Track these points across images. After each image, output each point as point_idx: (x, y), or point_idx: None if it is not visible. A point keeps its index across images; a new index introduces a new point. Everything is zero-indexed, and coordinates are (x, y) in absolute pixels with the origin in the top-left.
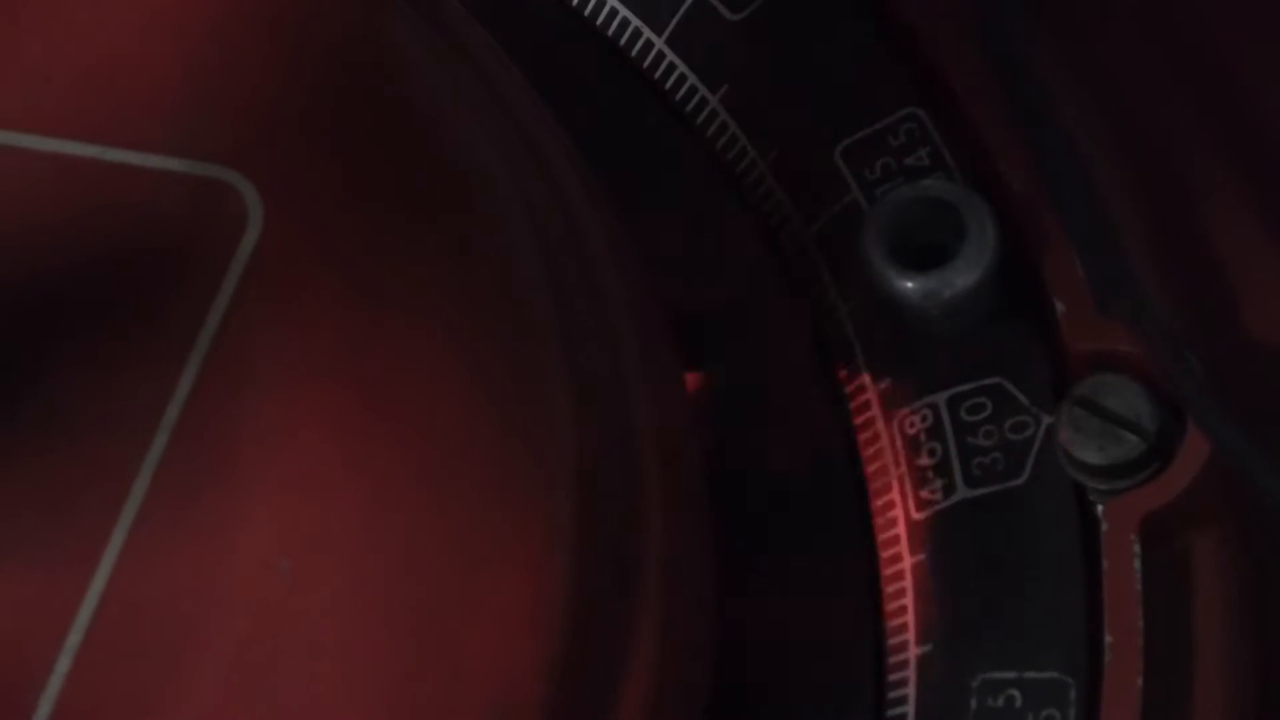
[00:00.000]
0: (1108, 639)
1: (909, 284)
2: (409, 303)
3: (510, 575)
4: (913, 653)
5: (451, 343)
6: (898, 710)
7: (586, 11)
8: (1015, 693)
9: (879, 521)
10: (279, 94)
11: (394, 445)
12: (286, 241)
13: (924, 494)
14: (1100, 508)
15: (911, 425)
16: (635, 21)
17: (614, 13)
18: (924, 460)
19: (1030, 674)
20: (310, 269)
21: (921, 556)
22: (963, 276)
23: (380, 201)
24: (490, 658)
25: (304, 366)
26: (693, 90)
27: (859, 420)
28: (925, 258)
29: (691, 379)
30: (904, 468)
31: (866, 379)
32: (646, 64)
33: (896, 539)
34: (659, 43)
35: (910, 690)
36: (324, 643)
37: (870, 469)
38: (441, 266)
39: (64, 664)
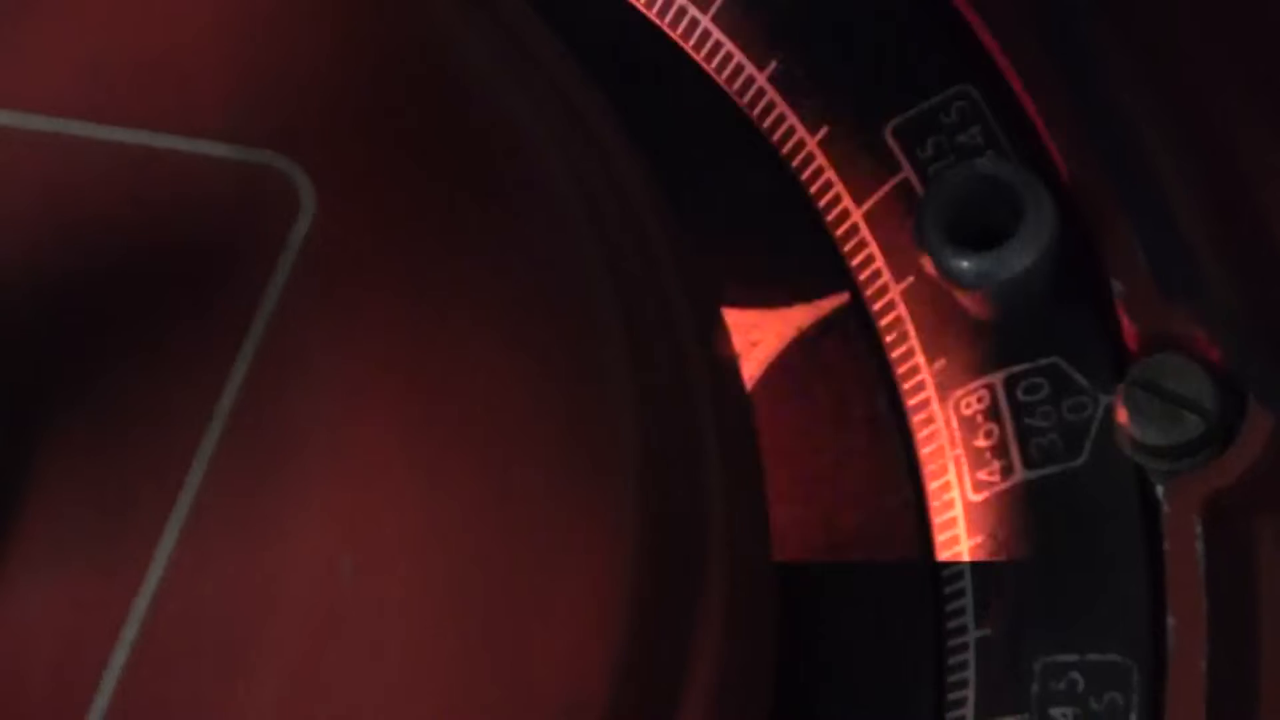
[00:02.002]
0: (1171, 622)
1: (965, 264)
2: (466, 292)
3: (574, 572)
4: (972, 635)
5: (511, 333)
6: (958, 694)
7: None
8: (1077, 675)
9: (935, 504)
10: (330, 80)
11: (455, 439)
12: (339, 228)
13: (981, 475)
14: (1160, 489)
15: (968, 406)
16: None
17: None
18: (981, 441)
19: (1092, 656)
20: (363, 256)
21: (979, 538)
22: (1020, 257)
23: (434, 188)
24: (556, 657)
25: (360, 356)
26: (740, 68)
27: (913, 401)
28: (982, 237)
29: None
30: (960, 449)
31: (921, 360)
32: (693, 42)
33: (954, 521)
34: (705, 20)
35: (970, 674)
36: (387, 643)
37: (925, 450)
38: (499, 255)
39: (119, 661)
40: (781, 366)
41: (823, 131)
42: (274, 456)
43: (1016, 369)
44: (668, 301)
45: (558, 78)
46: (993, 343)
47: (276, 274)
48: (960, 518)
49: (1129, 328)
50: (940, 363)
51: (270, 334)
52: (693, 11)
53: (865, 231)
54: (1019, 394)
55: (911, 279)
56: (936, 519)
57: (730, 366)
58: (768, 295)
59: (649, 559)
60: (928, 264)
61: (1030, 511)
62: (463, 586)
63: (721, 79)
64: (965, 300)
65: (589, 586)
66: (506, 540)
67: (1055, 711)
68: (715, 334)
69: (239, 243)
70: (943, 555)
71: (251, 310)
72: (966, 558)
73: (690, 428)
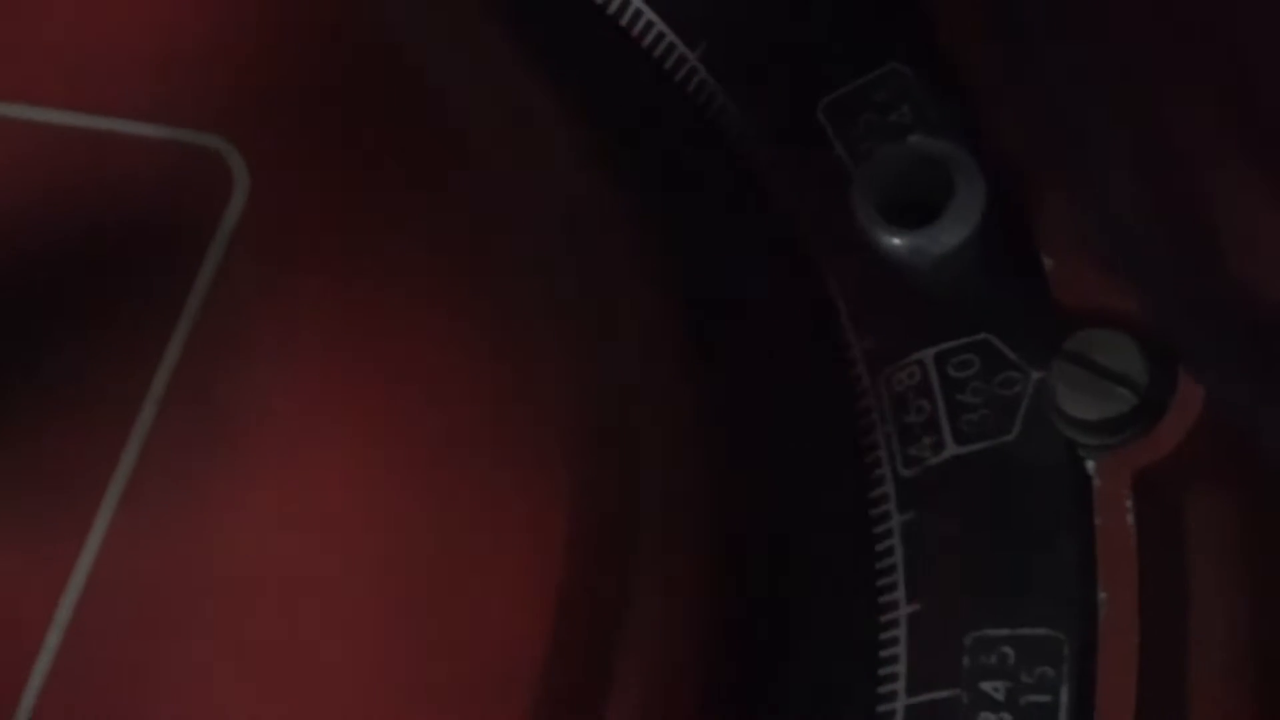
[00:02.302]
0: (1102, 595)
1: (897, 241)
2: (400, 271)
3: (509, 545)
4: (903, 610)
5: (445, 308)
6: (890, 669)
7: None
8: (1008, 650)
9: (867, 479)
10: (265, 60)
11: (389, 415)
12: (274, 208)
13: (912, 451)
14: (1091, 464)
15: (899, 382)
16: None
17: None
18: (912, 417)
19: (1023, 631)
20: (298, 235)
21: (911, 514)
22: (950, 233)
23: (369, 166)
24: (490, 630)
25: (294, 334)
26: (671, 48)
27: (846, 378)
28: (913, 214)
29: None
30: (891, 425)
31: (853, 336)
32: (625, 21)
33: (885, 497)
34: (636, 0)
35: (901, 649)
36: (322, 617)
37: (858, 425)
38: (433, 231)
39: (54, 639)
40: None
41: (755, 110)
42: (209, 434)
43: (947, 345)
44: (604, 276)
45: (495, 56)
46: (924, 319)
47: (211, 253)
48: (891, 493)
49: (1060, 303)
50: (871, 339)
51: (205, 313)
52: None
53: (798, 209)
54: (950, 370)
55: (843, 256)
56: (869, 494)
57: (675, 340)
58: (702, 271)
59: (583, 530)
60: (860, 241)
61: (961, 487)
62: (397, 560)
63: (654, 58)
64: (897, 277)
65: (523, 559)
66: (441, 514)
67: (986, 685)
68: (656, 310)
69: (174, 223)
70: (875, 531)
71: (186, 289)
72: (898, 533)
73: (624, 399)
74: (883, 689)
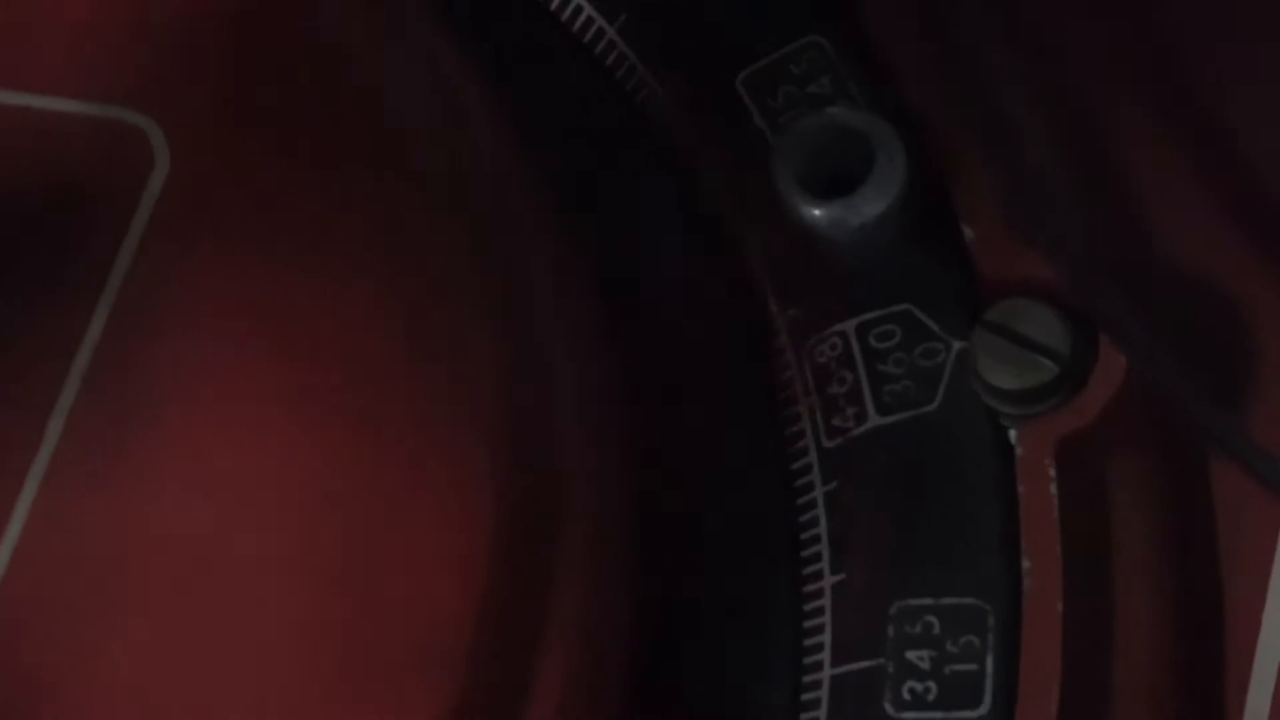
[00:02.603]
0: (1025, 564)
1: (817, 212)
2: (323, 247)
3: (435, 513)
4: (828, 581)
5: (368, 280)
6: (815, 639)
7: None
8: (933, 619)
9: (790, 451)
10: (187, 36)
11: (314, 385)
12: (194, 182)
13: (835, 422)
14: (1013, 433)
15: (821, 354)
16: None
17: None
18: (834, 388)
19: (947, 600)
20: (220, 209)
21: (834, 485)
22: (871, 204)
23: (290, 140)
24: (417, 596)
25: (217, 310)
26: (590, 21)
27: (768, 349)
28: (833, 185)
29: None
30: (814, 396)
31: (775, 307)
32: None
33: (809, 468)
34: None
35: (826, 619)
36: (248, 586)
37: (780, 397)
38: (356, 204)
39: None
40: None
41: (674, 83)
42: (132, 410)
43: (869, 316)
44: (522, 254)
45: (412, 32)
46: (845, 290)
47: (132, 229)
48: (814, 464)
49: (981, 273)
50: (793, 311)
51: (127, 289)
52: None
53: (719, 182)
54: (871, 341)
55: (764, 228)
56: (791, 466)
57: (594, 317)
58: (621, 246)
59: (509, 505)
60: (780, 213)
61: (884, 457)
62: (323, 535)
63: (573, 31)
64: (818, 248)
65: (446, 533)
66: (367, 489)
67: (911, 655)
68: (576, 283)
69: (94, 198)
70: (798, 502)
71: (108, 266)
72: (821, 504)
73: (544, 375)
74: (808, 659)
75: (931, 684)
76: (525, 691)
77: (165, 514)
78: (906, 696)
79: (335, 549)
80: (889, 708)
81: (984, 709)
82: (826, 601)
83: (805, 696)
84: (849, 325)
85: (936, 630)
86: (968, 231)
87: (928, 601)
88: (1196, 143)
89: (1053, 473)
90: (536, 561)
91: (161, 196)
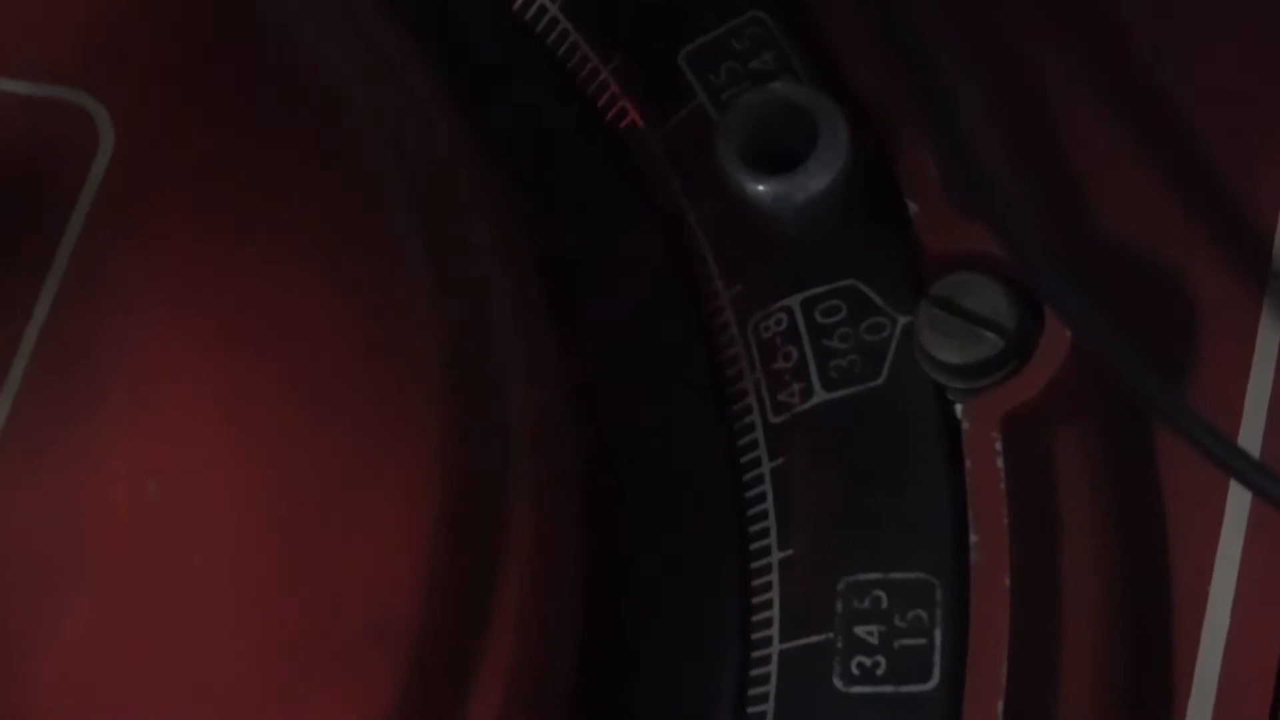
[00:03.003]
0: (974, 539)
1: (761, 188)
2: (268, 221)
3: (381, 493)
4: (775, 557)
5: (314, 260)
6: (763, 614)
7: None
8: (881, 594)
9: (737, 427)
10: (132, 17)
11: (259, 365)
12: (140, 162)
13: (781, 398)
14: (959, 407)
15: (766, 329)
16: None
17: None
18: (780, 364)
19: (896, 575)
20: (166, 190)
21: (781, 460)
22: (815, 179)
23: (235, 120)
24: (363, 577)
25: (162, 287)
26: None
27: (713, 325)
28: (777, 161)
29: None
30: (759, 372)
31: (719, 284)
32: None
33: (755, 444)
34: None
35: (774, 594)
36: (196, 566)
37: (726, 374)
38: (300, 184)
39: None
40: None
41: (616, 60)
42: (79, 386)
43: (814, 291)
44: (466, 231)
45: (356, 10)
46: (790, 265)
47: (77, 210)
48: (761, 439)
49: (925, 248)
50: (738, 287)
51: (73, 270)
52: None
53: (662, 158)
54: (817, 316)
55: (708, 205)
56: (738, 442)
57: (533, 288)
58: (565, 223)
59: (456, 476)
60: (725, 189)
61: (831, 433)
62: (269, 508)
63: (514, 10)
64: (761, 224)
65: (396, 505)
66: (312, 461)
67: (860, 630)
68: (519, 261)
69: (39, 178)
70: (745, 478)
71: (53, 247)
72: (768, 480)
73: (489, 353)
74: (756, 635)
75: (880, 658)
76: (474, 670)
77: (110, 496)
78: (855, 671)
79: (281, 530)
80: (838, 682)
81: (933, 683)
82: (774, 577)
83: (754, 672)
84: (794, 300)
85: (885, 605)
86: (911, 206)
87: (876, 576)
88: (1134, 116)
89: (999, 447)
90: (483, 541)
91: (107, 178)
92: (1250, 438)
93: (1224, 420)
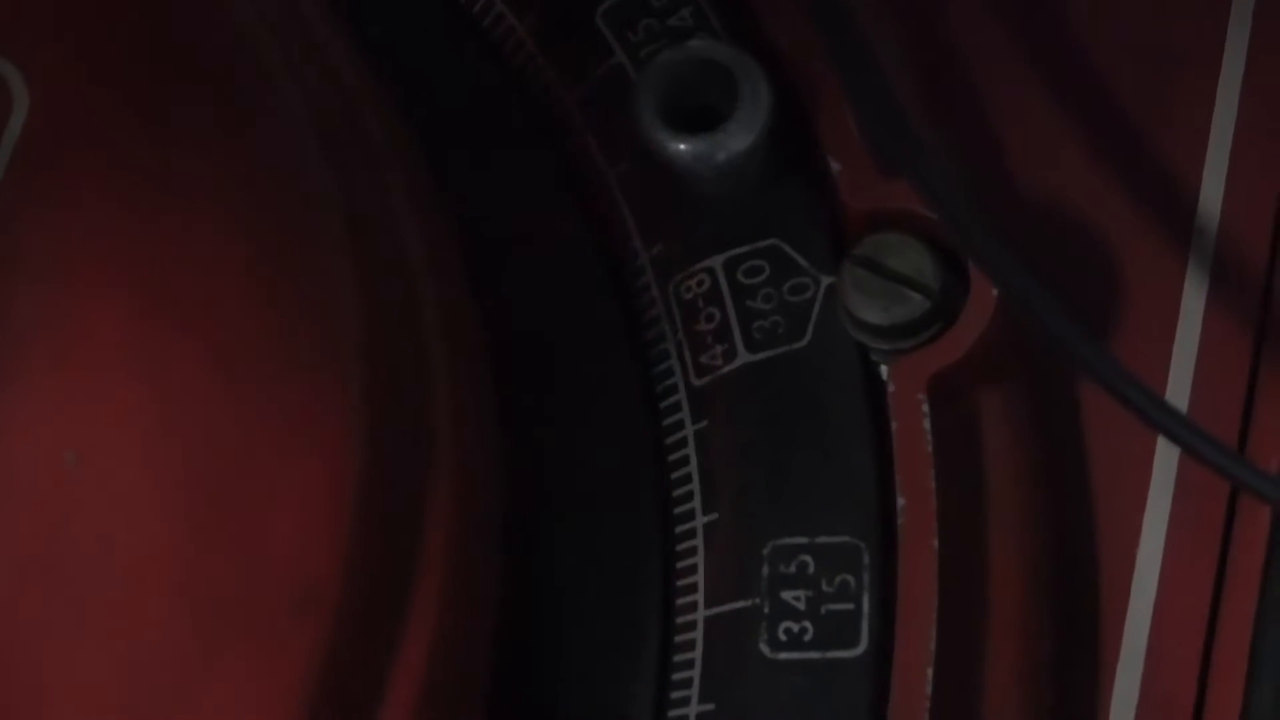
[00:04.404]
0: (900, 501)
1: (681, 146)
2: (185, 183)
3: (303, 460)
4: (700, 521)
5: (231, 223)
6: (688, 580)
7: None
8: (807, 558)
9: (659, 389)
10: None
11: (177, 330)
12: (55, 125)
13: (703, 360)
14: (885, 369)
15: (688, 290)
16: None
17: None
18: (702, 325)
19: (822, 539)
20: (81, 152)
21: (705, 423)
22: (736, 139)
23: (150, 81)
24: (287, 545)
25: (79, 250)
26: None
27: (633, 287)
28: (697, 119)
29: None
30: (681, 334)
31: (639, 244)
32: None
33: (678, 406)
34: None
35: (699, 559)
36: (115, 535)
37: (647, 335)
38: (217, 146)
39: None
40: None
41: (533, 18)
42: None
43: (736, 251)
44: (388, 190)
45: None
46: (711, 226)
47: None
48: (684, 402)
49: (848, 207)
50: (659, 247)
51: None
52: None
53: (579, 118)
54: (739, 276)
55: (626, 164)
56: (660, 404)
57: (451, 255)
58: (482, 185)
59: (378, 441)
60: (643, 148)
61: (755, 395)
62: (190, 476)
63: None
64: (681, 183)
65: (318, 471)
66: (233, 429)
67: (787, 595)
68: (439, 225)
69: None
70: (668, 440)
71: None
72: (692, 443)
73: (408, 318)
74: (681, 600)
75: (808, 624)
76: (396, 639)
77: (29, 457)
78: (783, 637)
79: (201, 500)
80: (765, 648)
81: (861, 648)
82: (699, 542)
83: (679, 638)
84: (716, 261)
85: (811, 570)
86: (834, 165)
87: (802, 540)
88: (1054, 73)
89: (925, 409)
90: (405, 510)
91: (21, 139)
92: (1177, 395)
93: (1151, 379)
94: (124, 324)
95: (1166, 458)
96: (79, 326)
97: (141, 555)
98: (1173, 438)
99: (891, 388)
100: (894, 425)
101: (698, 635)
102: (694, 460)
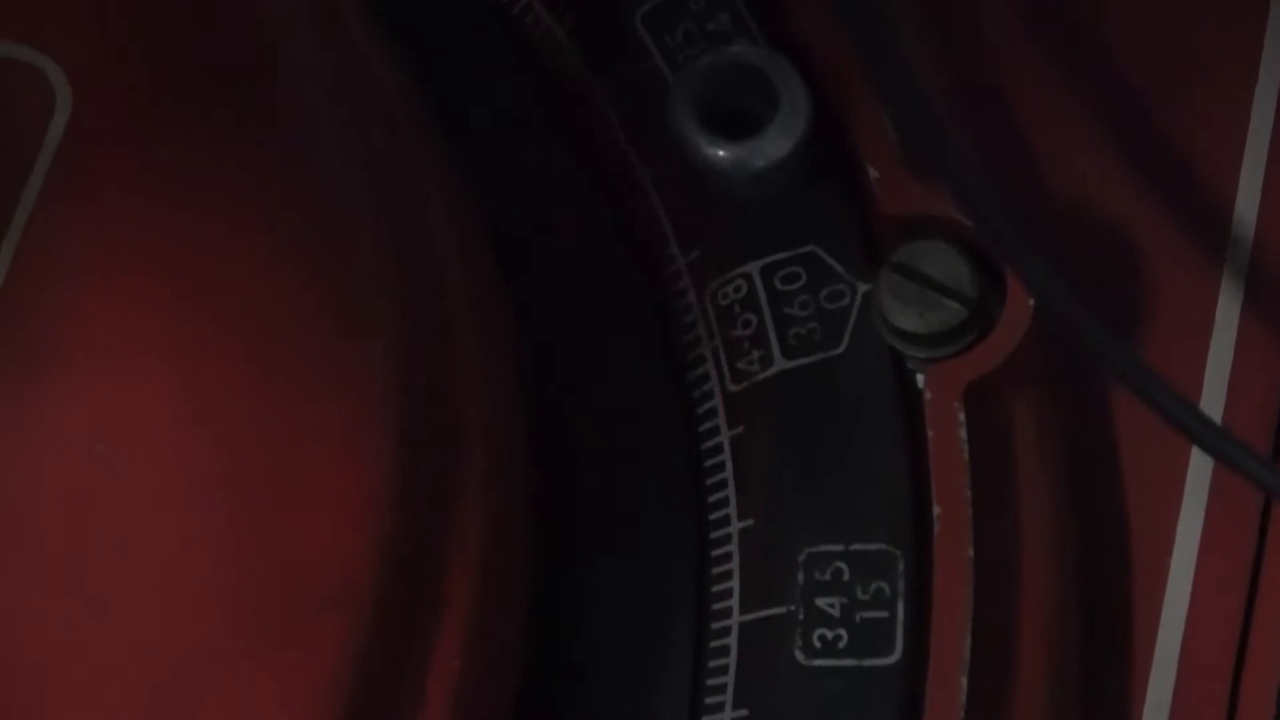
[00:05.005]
0: (936, 510)
1: (720, 152)
2: (222, 183)
3: (334, 458)
4: (735, 527)
5: (266, 223)
6: (723, 585)
7: None
8: (842, 565)
9: (694, 395)
10: None
11: (211, 329)
12: (97, 124)
13: (740, 366)
14: (921, 377)
15: (724, 296)
16: None
17: None
18: (739, 331)
19: (857, 546)
20: (122, 152)
21: (740, 429)
22: (775, 145)
23: (191, 82)
24: (318, 542)
25: (118, 251)
26: None
27: (669, 292)
28: (734, 124)
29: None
30: (718, 340)
31: (675, 250)
32: None
33: (713, 412)
34: None
35: (734, 565)
36: (146, 532)
37: (683, 340)
38: (254, 146)
39: None
40: None
41: (571, 19)
42: (33, 351)
43: (773, 258)
44: (423, 190)
45: None
46: (748, 232)
47: (34, 171)
48: (720, 408)
49: (885, 214)
50: (695, 253)
51: (29, 233)
52: None
53: (616, 121)
54: (776, 283)
55: (662, 169)
56: (696, 410)
57: (484, 253)
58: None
59: (409, 441)
60: (680, 153)
61: (791, 401)
62: (221, 475)
63: None
64: (720, 189)
65: (350, 470)
66: (264, 427)
67: (821, 601)
68: (472, 227)
69: None
70: (703, 446)
71: (9, 210)
72: (727, 449)
73: (446, 312)
74: (716, 606)
75: (842, 631)
76: (429, 639)
77: (62, 454)
78: (817, 644)
79: (233, 497)
80: (800, 655)
81: (895, 656)
82: (734, 548)
83: (713, 644)
84: (753, 267)
85: (846, 577)
86: (872, 172)
87: (837, 548)
88: (1088, 80)
89: (961, 417)
90: (438, 509)
91: (64, 139)
92: (1211, 405)
93: (1185, 386)
94: (158, 320)
95: (1200, 465)
96: (114, 322)
97: (172, 552)
98: (1207, 448)
99: (927, 395)
100: (929, 433)
101: (732, 641)
102: (729, 466)
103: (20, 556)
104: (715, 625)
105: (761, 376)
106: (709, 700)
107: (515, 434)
